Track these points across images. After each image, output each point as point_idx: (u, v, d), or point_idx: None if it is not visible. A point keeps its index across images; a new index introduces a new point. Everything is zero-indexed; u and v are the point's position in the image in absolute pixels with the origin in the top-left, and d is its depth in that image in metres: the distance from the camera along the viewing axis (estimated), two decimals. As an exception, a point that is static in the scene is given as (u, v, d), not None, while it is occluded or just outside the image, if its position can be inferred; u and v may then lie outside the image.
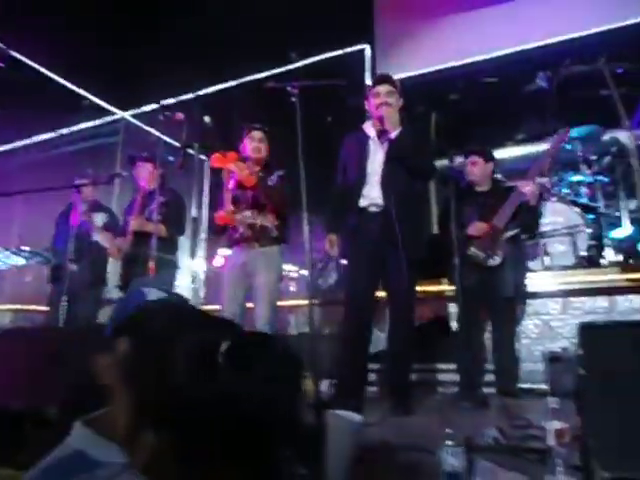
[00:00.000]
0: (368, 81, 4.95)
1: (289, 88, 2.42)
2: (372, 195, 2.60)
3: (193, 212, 2.46)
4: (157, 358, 0.72)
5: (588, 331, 1.28)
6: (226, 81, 5.65)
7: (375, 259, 2.59)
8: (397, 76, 4.91)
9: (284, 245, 2.88)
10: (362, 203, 2.61)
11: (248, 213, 2.80)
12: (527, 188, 2.87)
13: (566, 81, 5.02)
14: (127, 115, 6.06)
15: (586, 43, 4.86)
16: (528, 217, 2.98)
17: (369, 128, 2.72)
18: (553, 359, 2.88)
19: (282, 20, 5.15)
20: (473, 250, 2.87)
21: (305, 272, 4.53)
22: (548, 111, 5.00)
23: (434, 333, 3.27)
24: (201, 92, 5.53)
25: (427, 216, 2.50)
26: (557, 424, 1.38)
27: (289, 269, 5.68)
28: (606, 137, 4.23)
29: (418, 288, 3.48)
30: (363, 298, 2.58)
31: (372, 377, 3.34)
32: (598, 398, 1.18)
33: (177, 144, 2.63)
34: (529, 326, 3.50)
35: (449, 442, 1.33)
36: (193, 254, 2.43)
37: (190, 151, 2.54)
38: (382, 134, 2.65)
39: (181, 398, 0.67)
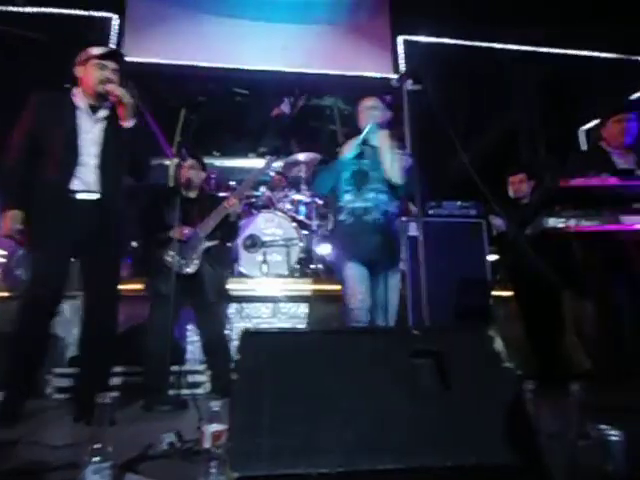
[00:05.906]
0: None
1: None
2: (87, 180, 2.29)
3: None
4: None
5: (247, 337, 1.35)
6: None
7: (75, 249, 2.31)
8: (144, 59, 4.63)
9: None
10: (73, 186, 2.27)
11: None
12: (232, 204, 3.05)
13: (304, 110, 5.66)
14: None
15: (326, 82, 5.49)
16: (229, 231, 3.20)
17: (80, 98, 2.36)
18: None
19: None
20: (170, 256, 2.86)
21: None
22: (286, 132, 5.52)
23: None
24: None
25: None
26: (216, 426, 1.42)
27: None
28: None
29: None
30: (51, 296, 2.24)
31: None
32: (245, 401, 1.24)
33: None
34: (241, 328, 3.69)
35: (95, 458, 1.21)
36: None
37: None
38: (96, 110, 2.36)
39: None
